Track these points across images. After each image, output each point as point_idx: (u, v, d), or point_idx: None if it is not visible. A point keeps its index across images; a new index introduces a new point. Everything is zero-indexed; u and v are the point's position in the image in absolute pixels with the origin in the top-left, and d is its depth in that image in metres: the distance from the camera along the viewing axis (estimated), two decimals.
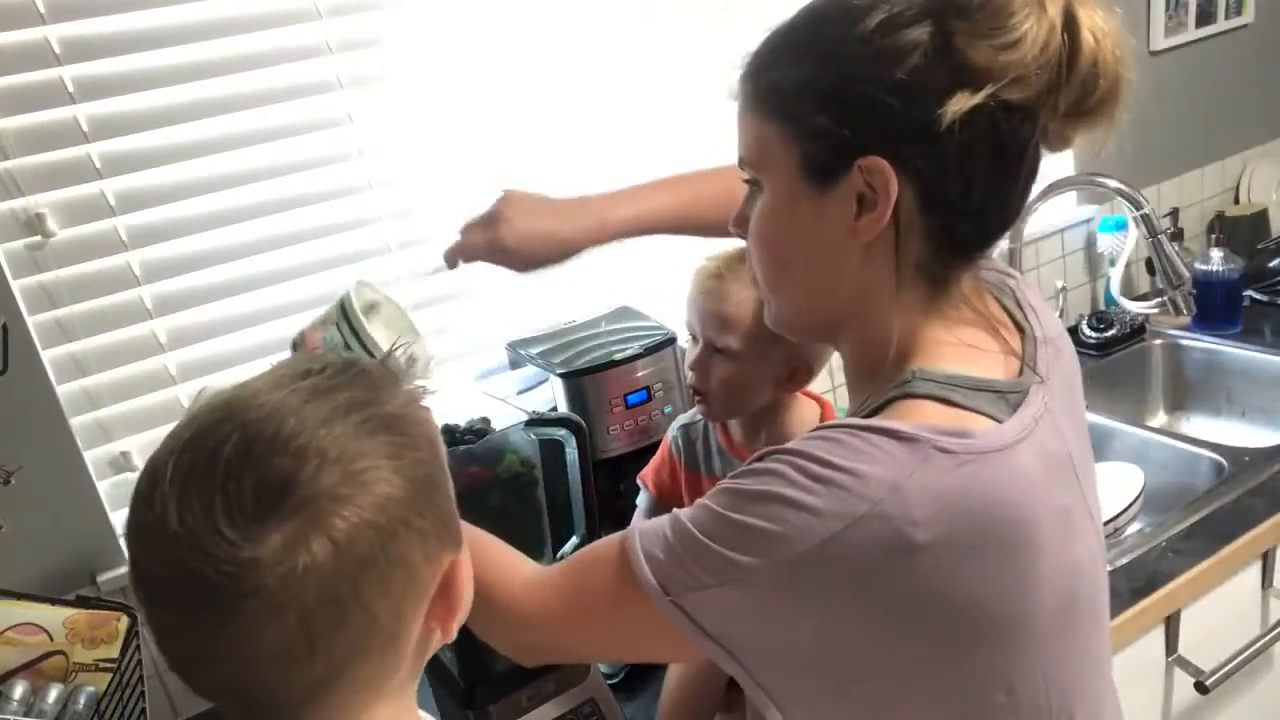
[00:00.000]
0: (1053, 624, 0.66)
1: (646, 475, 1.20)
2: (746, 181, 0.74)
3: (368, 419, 0.51)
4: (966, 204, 0.66)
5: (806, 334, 0.78)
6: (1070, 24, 0.63)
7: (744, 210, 0.74)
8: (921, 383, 0.65)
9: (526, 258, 0.97)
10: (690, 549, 0.63)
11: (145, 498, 0.49)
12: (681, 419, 1.17)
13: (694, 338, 1.05)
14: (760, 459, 0.64)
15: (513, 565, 0.77)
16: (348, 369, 0.54)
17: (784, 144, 0.68)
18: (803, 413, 1.09)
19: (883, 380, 0.69)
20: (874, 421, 0.63)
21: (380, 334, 0.91)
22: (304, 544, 0.48)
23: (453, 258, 0.99)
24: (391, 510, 0.51)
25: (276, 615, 0.48)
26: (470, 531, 0.64)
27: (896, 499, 0.59)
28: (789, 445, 0.63)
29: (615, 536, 0.69)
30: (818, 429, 0.64)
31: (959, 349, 0.68)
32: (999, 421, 0.64)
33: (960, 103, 0.61)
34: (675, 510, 0.66)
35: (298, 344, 0.93)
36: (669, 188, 1.01)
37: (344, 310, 0.92)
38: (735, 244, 1.01)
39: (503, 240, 0.95)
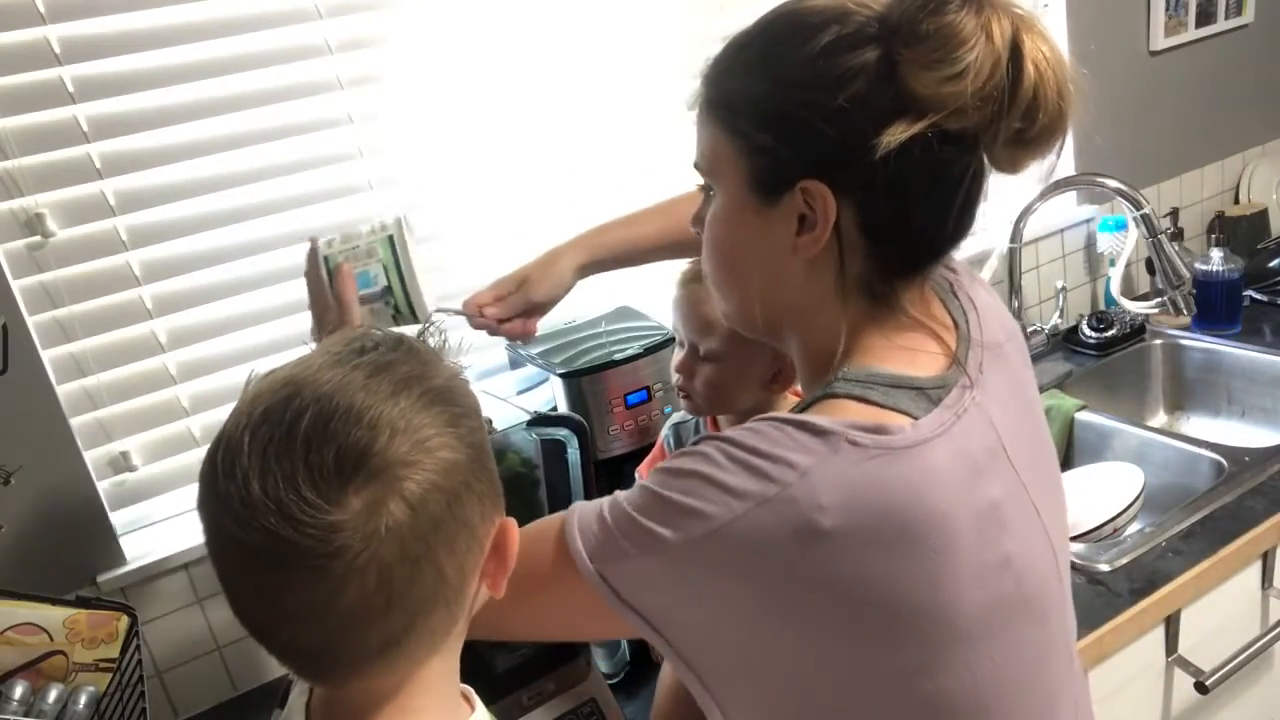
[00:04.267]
0: (976, 620, 0.65)
1: (643, 470, 1.20)
2: (701, 187, 0.76)
3: (425, 392, 0.56)
4: (904, 227, 0.69)
5: (755, 332, 0.80)
6: (1015, 54, 0.63)
7: (701, 210, 0.77)
8: (843, 383, 0.68)
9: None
10: (619, 521, 0.67)
11: (225, 471, 0.52)
12: (675, 417, 1.18)
13: (680, 341, 1.05)
14: (697, 443, 0.68)
15: None
16: (398, 346, 0.58)
17: (733, 156, 0.70)
18: None
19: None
20: (796, 416, 0.66)
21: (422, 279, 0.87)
22: (383, 506, 0.51)
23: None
24: (455, 474, 0.55)
25: (359, 574, 0.51)
26: None
27: (805, 484, 0.62)
28: (722, 432, 0.67)
29: (558, 514, 0.72)
30: (749, 421, 0.67)
31: (895, 352, 0.71)
32: (916, 418, 0.66)
33: (896, 133, 0.63)
34: (616, 491, 0.69)
35: (332, 268, 0.90)
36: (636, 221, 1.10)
37: (393, 249, 0.88)
38: None
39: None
